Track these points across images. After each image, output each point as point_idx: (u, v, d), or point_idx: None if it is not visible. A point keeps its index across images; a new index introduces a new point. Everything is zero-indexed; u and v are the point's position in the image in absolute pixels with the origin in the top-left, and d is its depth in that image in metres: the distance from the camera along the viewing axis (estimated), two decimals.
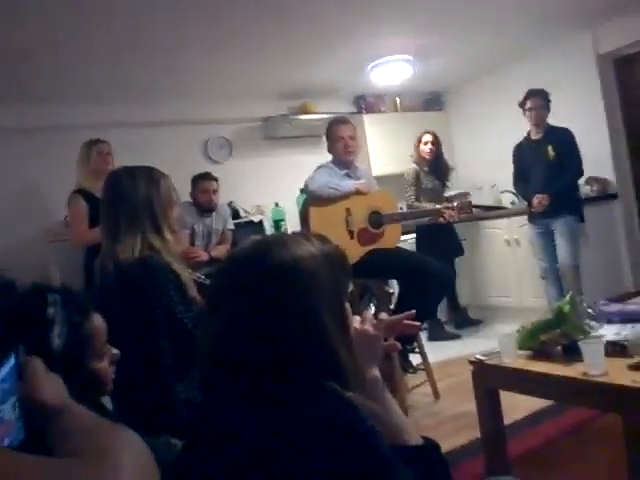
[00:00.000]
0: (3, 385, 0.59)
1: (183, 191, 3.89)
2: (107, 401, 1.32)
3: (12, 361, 0.64)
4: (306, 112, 4.93)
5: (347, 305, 0.92)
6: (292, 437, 0.73)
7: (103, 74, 3.67)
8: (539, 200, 3.88)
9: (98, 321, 1.11)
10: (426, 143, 4.57)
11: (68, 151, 3.50)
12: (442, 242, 4.45)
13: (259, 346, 0.81)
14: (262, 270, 0.84)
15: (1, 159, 3.83)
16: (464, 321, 4.77)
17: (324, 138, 3.38)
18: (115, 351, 1.16)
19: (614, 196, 4.58)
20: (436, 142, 4.59)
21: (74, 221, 3.29)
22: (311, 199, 3.11)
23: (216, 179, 3.94)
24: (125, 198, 1.82)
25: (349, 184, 3.11)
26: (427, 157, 4.56)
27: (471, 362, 1.98)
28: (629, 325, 1.87)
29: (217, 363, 0.85)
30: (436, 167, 4.61)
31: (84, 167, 3.38)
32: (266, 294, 0.83)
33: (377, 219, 3.15)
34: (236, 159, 4.81)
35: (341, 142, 3.21)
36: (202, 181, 3.90)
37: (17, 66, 3.27)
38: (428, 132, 4.61)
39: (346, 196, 3.08)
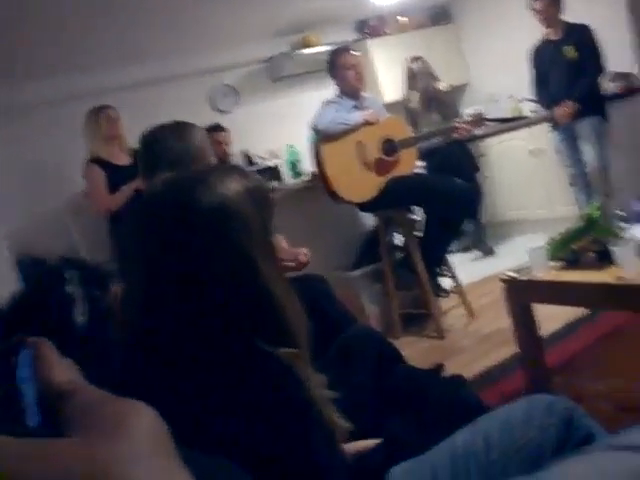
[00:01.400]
0: (22, 370, 0.59)
1: None
2: None
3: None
4: (308, 46, 4.74)
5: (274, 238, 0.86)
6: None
7: (96, 39, 3.57)
8: (564, 109, 3.70)
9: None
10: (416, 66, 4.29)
11: (74, 122, 3.47)
12: (453, 163, 4.15)
13: (189, 308, 0.72)
14: (185, 215, 0.75)
15: (9, 138, 3.83)
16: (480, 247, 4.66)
17: (327, 72, 3.26)
18: None
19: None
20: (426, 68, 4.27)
21: (94, 190, 3.30)
22: (321, 137, 3.04)
23: (226, 129, 3.88)
24: (163, 158, 1.79)
25: (357, 116, 3.02)
26: (419, 83, 4.26)
27: (503, 280, 1.96)
28: None
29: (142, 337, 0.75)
30: (434, 104, 4.24)
31: (95, 135, 3.35)
32: (193, 244, 0.73)
33: (391, 146, 3.08)
34: (244, 106, 4.71)
35: (351, 70, 3.09)
36: (212, 133, 3.83)
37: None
38: (416, 56, 4.33)
39: (356, 129, 3.00)
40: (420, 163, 3.90)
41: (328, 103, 3.12)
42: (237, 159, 4.07)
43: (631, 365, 2.03)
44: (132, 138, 4.05)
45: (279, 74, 4.81)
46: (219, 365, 0.71)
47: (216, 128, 3.86)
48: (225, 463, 0.57)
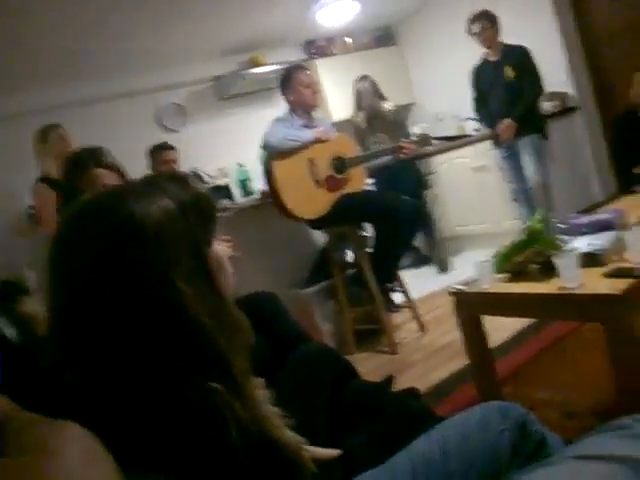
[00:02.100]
0: None
1: (142, 166, 3.80)
2: None
3: None
4: (256, 65, 4.78)
5: (213, 250, 0.77)
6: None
7: (43, 56, 3.49)
8: (505, 129, 3.84)
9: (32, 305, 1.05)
10: (364, 87, 4.36)
11: (20, 140, 3.36)
12: (403, 180, 4.25)
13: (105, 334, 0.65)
14: (102, 231, 0.68)
15: None
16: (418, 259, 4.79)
17: (279, 90, 3.28)
18: None
19: (574, 109, 4.59)
20: (374, 87, 4.35)
21: (42, 209, 3.18)
22: (273, 154, 3.05)
23: (174, 148, 3.83)
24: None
25: (309, 133, 3.05)
26: (367, 102, 4.32)
27: (451, 293, 1.99)
28: (600, 234, 1.89)
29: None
30: (378, 122, 4.32)
31: (45, 154, 3.24)
32: (106, 263, 0.66)
33: (341, 164, 3.11)
34: (192, 124, 4.68)
35: (309, 89, 3.12)
36: (160, 152, 3.78)
37: None
38: (363, 75, 4.39)
39: (307, 146, 3.02)
40: (369, 180, 3.94)
41: (278, 121, 3.13)
42: None
43: (574, 373, 2.11)
44: None
45: (227, 93, 4.82)
46: (139, 393, 0.64)
47: (164, 146, 3.80)
48: None
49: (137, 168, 3.80)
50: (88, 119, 4.00)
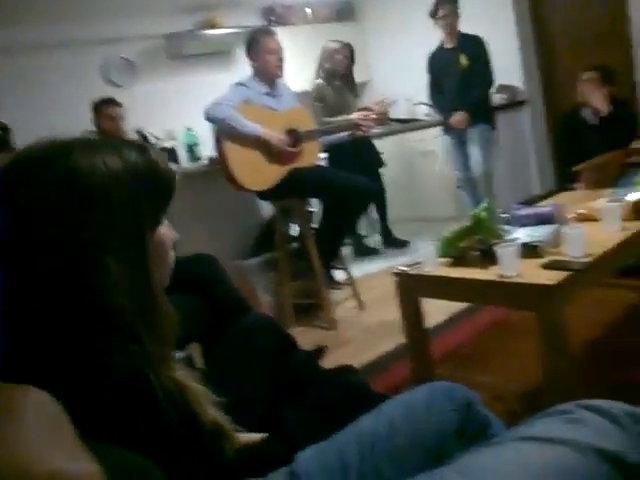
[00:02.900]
0: None
1: (85, 120, 3.62)
2: None
3: None
4: (213, 27, 4.62)
5: (157, 234, 0.72)
6: None
7: None
8: (458, 118, 3.90)
9: None
10: (343, 56, 4.07)
11: None
12: (359, 157, 4.08)
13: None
14: (45, 180, 0.62)
15: None
16: (391, 241, 4.66)
17: (235, 54, 3.19)
18: None
19: (522, 103, 4.72)
20: (351, 55, 4.15)
21: None
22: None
23: (120, 104, 3.67)
24: None
25: (255, 128, 2.92)
26: (341, 70, 4.07)
27: (395, 274, 2.03)
28: (540, 227, 1.97)
29: None
30: (349, 81, 4.16)
31: None
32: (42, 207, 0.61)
33: (294, 137, 3.08)
34: (141, 82, 4.49)
35: (273, 56, 3.03)
36: (105, 107, 3.62)
37: None
38: (344, 43, 4.14)
39: (249, 134, 2.91)
40: (323, 155, 3.89)
41: (238, 86, 3.03)
42: (131, 137, 3.86)
43: (504, 358, 2.20)
44: (11, 106, 3.73)
45: (180, 52, 4.64)
46: (64, 364, 0.60)
47: (108, 102, 3.64)
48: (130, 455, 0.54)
49: (80, 122, 3.65)
50: (28, 66, 3.76)
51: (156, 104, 4.43)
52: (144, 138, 4.19)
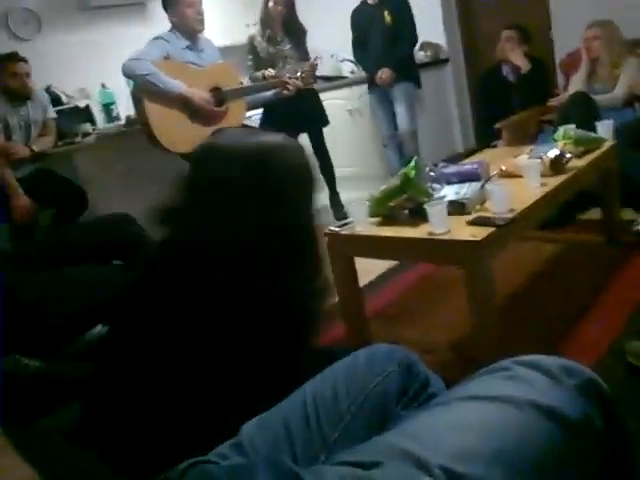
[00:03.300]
0: None
1: None
2: None
3: None
4: None
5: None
6: None
7: None
8: (382, 75, 3.89)
9: None
10: (274, 2, 3.67)
11: None
12: (298, 114, 3.60)
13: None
14: (263, 174, 0.85)
15: None
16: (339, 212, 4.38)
17: (150, 6, 3.01)
18: None
19: (446, 61, 4.77)
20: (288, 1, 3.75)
21: None
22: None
23: (26, 60, 3.39)
24: None
25: (177, 85, 2.80)
26: (273, 16, 3.68)
27: (326, 234, 2.02)
28: (466, 184, 2.01)
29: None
30: (290, 30, 3.77)
31: None
32: (262, 203, 0.84)
33: (219, 96, 2.97)
34: (47, 35, 4.15)
35: (192, 8, 2.88)
36: (9, 63, 3.32)
37: None
38: None
39: (170, 93, 2.80)
40: (252, 113, 3.74)
41: (157, 39, 2.87)
42: (40, 95, 3.59)
43: (433, 312, 2.28)
44: None
45: (89, 3, 4.31)
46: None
47: (13, 57, 3.34)
48: None
49: None
50: None
51: (66, 59, 4.12)
52: (56, 97, 3.91)
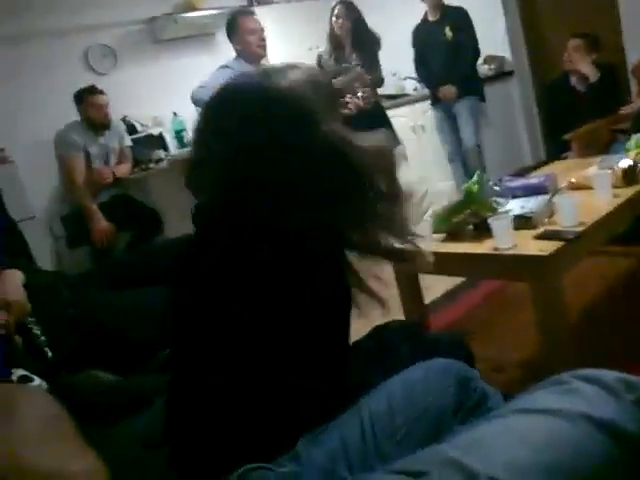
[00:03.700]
0: None
1: (67, 110, 3.58)
2: None
3: None
4: (193, 9, 4.54)
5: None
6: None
7: None
8: (446, 92, 3.87)
9: None
10: (337, 17, 3.58)
11: None
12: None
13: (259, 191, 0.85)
14: (265, 98, 0.88)
15: None
16: None
17: (218, 36, 3.15)
18: None
19: (510, 73, 4.69)
20: (349, 12, 3.56)
21: None
22: None
23: (103, 92, 3.63)
24: None
25: None
26: (338, 33, 3.58)
27: None
28: (532, 198, 1.97)
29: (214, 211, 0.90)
30: (357, 43, 3.56)
31: None
32: (270, 127, 0.85)
33: None
34: (122, 68, 4.42)
35: (254, 36, 3.00)
36: (91, 96, 3.58)
37: None
38: (339, 1, 3.64)
39: None
40: None
41: (224, 68, 2.99)
42: (117, 125, 3.82)
43: (502, 330, 2.22)
44: None
45: (161, 36, 4.56)
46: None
47: (92, 90, 3.60)
48: None
49: (62, 109, 3.60)
50: (7, 57, 3.69)
51: (140, 90, 4.37)
52: (131, 126, 4.14)
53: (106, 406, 1.21)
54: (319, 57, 3.69)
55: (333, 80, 3.30)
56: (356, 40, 3.53)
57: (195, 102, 2.94)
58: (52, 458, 0.45)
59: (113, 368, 1.45)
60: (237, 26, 3.02)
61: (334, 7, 3.58)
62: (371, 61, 3.52)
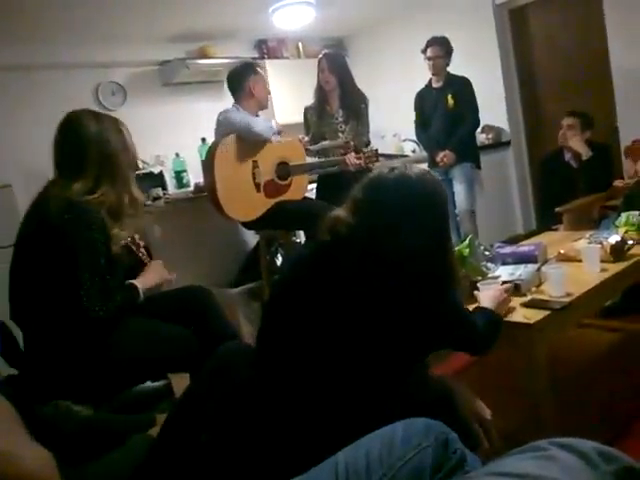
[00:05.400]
0: None
1: None
2: None
3: None
4: (205, 56, 4.69)
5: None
6: None
7: None
8: (443, 157, 3.97)
9: None
10: (322, 70, 3.47)
11: None
12: (347, 189, 4.00)
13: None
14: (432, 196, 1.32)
15: None
16: None
17: (226, 85, 3.23)
18: None
19: (507, 144, 4.82)
20: (333, 65, 3.45)
21: None
22: (218, 149, 2.95)
23: None
24: (94, 141, 1.78)
25: (268, 130, 3.03)
26: (325, 88, 3.49)
27: None
28: (522, 266, 1.99)
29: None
30: (344, 102, 3.51)
31: None
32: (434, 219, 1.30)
33: (284, 170, 3.10)
34: (131, 106, 4.51)
35: (261, 88, 3.11)
36: None
37: None
38: (323, 53, 3.60)
39: (259, 144, 3.01)
40: (310, 187, 3.84)
41: (229, 111, 3.06)
42: None
43: (484, 395, 2.19)
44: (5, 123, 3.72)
45: (171, 79, 4.69)
46: None
47: None
48: None
49: None
50: (16, 86, 3.77)
51: (145, 129, 4.43)
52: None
53: (79, 441, 1.19)
54: (305, 110, 3.64)
55: (321, 143, 3.45)
56: (343, 96, 3.50)
57: (224, 125, 3.04)
58: (1, 442, 0.49)
59: (83, 400, 1.43)
60: (249, 76, 3.08)
61: (320, 60, 3.51)
62: (357, 120, 3.49)
